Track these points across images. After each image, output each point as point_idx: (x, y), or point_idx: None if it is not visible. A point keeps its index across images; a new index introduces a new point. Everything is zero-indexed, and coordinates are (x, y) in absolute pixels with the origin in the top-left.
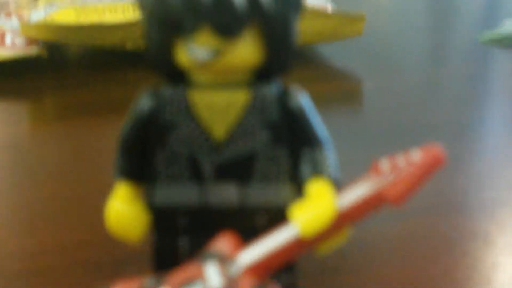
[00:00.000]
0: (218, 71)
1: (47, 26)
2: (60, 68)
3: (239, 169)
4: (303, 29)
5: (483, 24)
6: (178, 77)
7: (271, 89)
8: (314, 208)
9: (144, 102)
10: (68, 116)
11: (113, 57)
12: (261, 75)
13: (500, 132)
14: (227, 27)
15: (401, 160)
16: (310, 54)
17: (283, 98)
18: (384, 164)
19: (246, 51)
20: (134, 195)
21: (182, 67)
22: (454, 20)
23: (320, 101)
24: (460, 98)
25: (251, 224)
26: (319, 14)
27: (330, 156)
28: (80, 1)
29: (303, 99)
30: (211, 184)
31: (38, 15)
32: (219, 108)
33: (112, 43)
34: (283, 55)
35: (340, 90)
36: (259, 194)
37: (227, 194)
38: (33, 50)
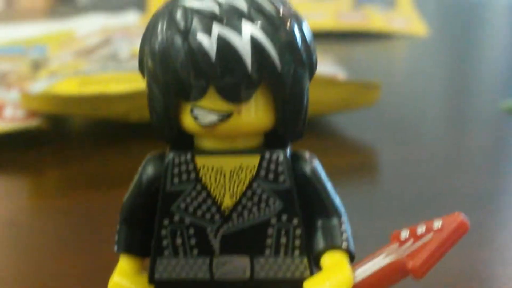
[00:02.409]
0: (225, 136)
1: (48, 97)
2: (62, 140)
3: (249, 240)
4: (314, 99)
5: (504, 91)
6: (185, 143)
7: (282, 155)
8: (330, 282)
9: (148, 169)
10: (70, 190)
11: (116, 129)
12: (272, 140)
13: None
14: (235, 93)
15: (422, 229)
16: (322, 124)
17: (295, 164)
18: (405, 234)
19: (255, 114)
20: (137, 270)
21: (188, 131)
22: (474, 87)
23: (334, 174)
24: (481, 166)
25: None
26: (331, 82)
27: (345, 226)
28: (83, 72)
29: (316, 165)
30: (220, 257)
31: (39, 86)
32: (227, 174)
33: (116, 114)
34: (295, 119)
35: (355, 162)
36: (271, 266)
37: (236, 267)
38: (33, 123)
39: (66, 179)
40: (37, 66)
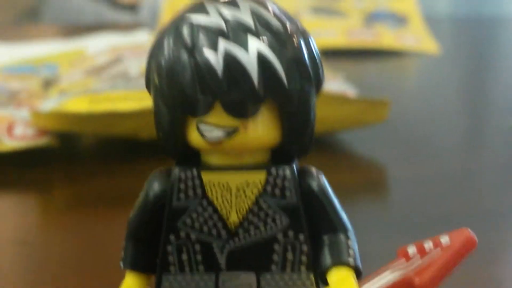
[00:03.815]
0: (232, 151)
1: (58, 115)
2: (71, 158)
3: (255, 256)
4: (323, 116)
5: None
6: (191, 159)
7: (289, 171)
8: None
9: (154, 185)
10: (79, 208)
11: (126, 147)
12: (278, 156)
13: None
14: (242, 108)
15: (429, 245)
16: (331, 142)
17: (302, 180)
18: (412, 250)
19: (262, 130)
20: (143, 287)
21: (194, 147)
22: (485, 105)
23: (344, 191)
24: (494, 185)
25: None
26: (340, 100)
27: (352, 242)
28: (93, 90)
29: (322, 181)
30: (226, 273)
31: (49, 104)
32: (233, 190)
33: (126, 132)
34: (301, 135)
35: (364, 179)
36: (278, 283)
37: (243, 283)
38: (43, 140)
39: (76, 197)
40: (47, 84)
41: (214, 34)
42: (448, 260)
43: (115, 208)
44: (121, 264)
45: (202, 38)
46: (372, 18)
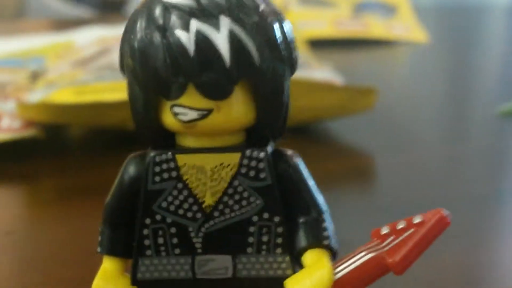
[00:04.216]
0: (206, 133)
1: (44, 106)
2: (58, 150)
3: (231, 238)
4: (311, 105)
5: (501, 96)
6: (166, 141)
7: (263, 152)
8: (310, 280)
9: (130, 169)
10: (66, 199)
11: (112, 138)
12: (254, 138)
13: None
14: (215, 89)
15: (402, 225)
16: (319, 130)
17: (277, 162)
18: (385, 230)
19: (236, 111)
20: (120, 271)
21: (169, 129)
22: (471, 92)
23: (331, 179)
24: (479, 172)
25: None
26: (328, 88)
27: (327, 224)
28: (80, 81)
29: (299, 163)
30: (202, 255)
31: (36, 96)
32: (208, 172)
33: (112, 123)
34: (275, 115)
35: (351, 167)
36: (253, 265)
37: (218, 266)
38: (30, 132)
39: (63, 188)
40: (35, 77)
41: (186, 14)
42: (420, 239)
43: (102, 199)
44: (98, 249)
45: (174, 19)
46: (361, 8)
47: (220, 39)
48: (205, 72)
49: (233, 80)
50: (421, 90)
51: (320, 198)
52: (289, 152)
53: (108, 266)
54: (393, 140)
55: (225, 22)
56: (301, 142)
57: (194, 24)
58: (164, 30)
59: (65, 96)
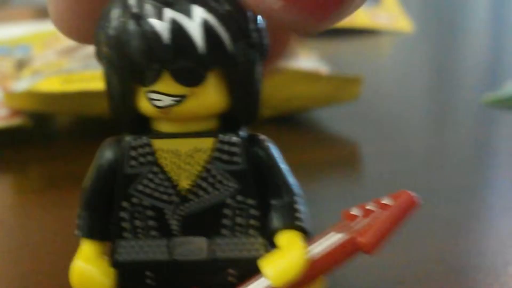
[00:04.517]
0: (181, 118)
1: (31, 95)
2: (45, 138)
3: (206, 221)
4: (296, 94)
5: (486, 86)
6: (142, 126)
7: (236, 137)
8: (284, 260)
9: (106, 153)
10: (53, 188)
11: (99, 127)
12: (228, 123)
13: (505, 195)
14: (189, 76)
15: (372, 207)
16: (304, 119)
17: (250, 146)
18: (356, 212)
19: (209, 97)
20: (99, 254)
21: (145, 115)
22: (456, 82)
23: (316, 168)
24: (463, 161)
25: (221, 278)
26: (313, 77)
27: (300, 206)
28: (66, 70)
29: (271, 147)
30: (178, 237)
31: (22, 84)
32: (183, 156)
33: (99, 111)
34: (248, 101)
35: (337, 156)
36: (229, 247)
37: (195, 247)
38: (17, 121)
39: (50, 177)
40: (21, 65)
41: (160, 3)
42: (389, 219)
43: None
44: (76, 232)
45: (148, 8)
46: None
47: (194, 27)
48: (179, 59)
49: (206, 67)
50: (406, 79)
51: (292, 181)
52: (262, 136)
53: (87, 249)
54: (378, 129)
55: (198, 11)
56: (287, 131)
57: (168, 13)
58: (139, 18)
59: (51, 84)
